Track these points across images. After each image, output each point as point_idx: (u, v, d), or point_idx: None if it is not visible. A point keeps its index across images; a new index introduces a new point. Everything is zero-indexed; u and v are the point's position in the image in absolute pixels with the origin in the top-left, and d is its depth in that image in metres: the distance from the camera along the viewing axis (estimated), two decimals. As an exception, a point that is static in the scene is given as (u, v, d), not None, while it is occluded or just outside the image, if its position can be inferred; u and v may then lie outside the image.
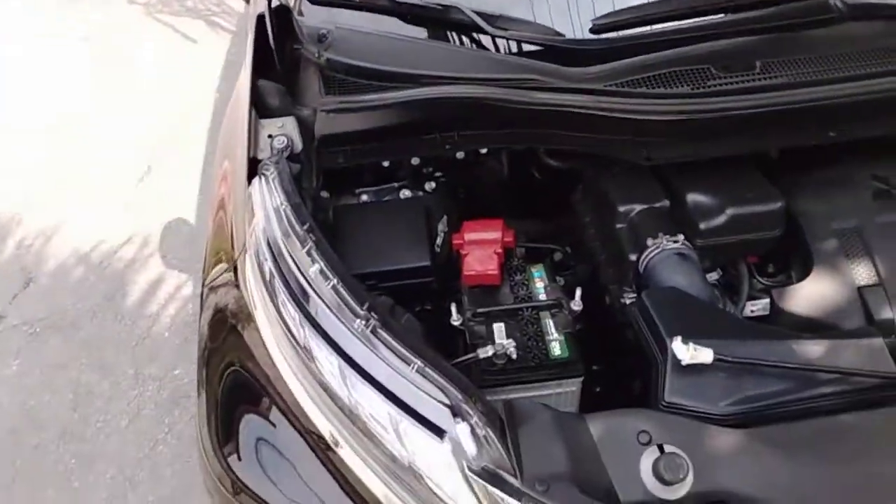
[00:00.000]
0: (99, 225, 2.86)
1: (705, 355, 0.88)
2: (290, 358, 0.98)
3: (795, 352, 0.92)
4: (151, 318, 2.48)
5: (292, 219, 0.99)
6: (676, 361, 0.90)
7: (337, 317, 0.90)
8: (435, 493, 0.84)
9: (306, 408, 0.96)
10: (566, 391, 1.03)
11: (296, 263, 0.96)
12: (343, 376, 0.89)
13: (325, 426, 0.94)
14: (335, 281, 0.91)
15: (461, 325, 1.06)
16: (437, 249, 1.20)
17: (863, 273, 1.13)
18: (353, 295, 0.91)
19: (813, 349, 0.92)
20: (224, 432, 1.05)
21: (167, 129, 3.33)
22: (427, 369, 0.84)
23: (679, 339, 0.89)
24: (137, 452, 2.12)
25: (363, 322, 0.88)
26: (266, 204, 1.04)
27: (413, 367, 0.85)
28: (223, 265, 1.16)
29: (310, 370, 0.94)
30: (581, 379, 1.02)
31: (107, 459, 2.12)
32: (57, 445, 2.16)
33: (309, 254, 0.95)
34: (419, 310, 1.18)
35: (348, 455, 0.92)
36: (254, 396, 1.03)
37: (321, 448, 0.96)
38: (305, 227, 0.97)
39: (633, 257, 1.15)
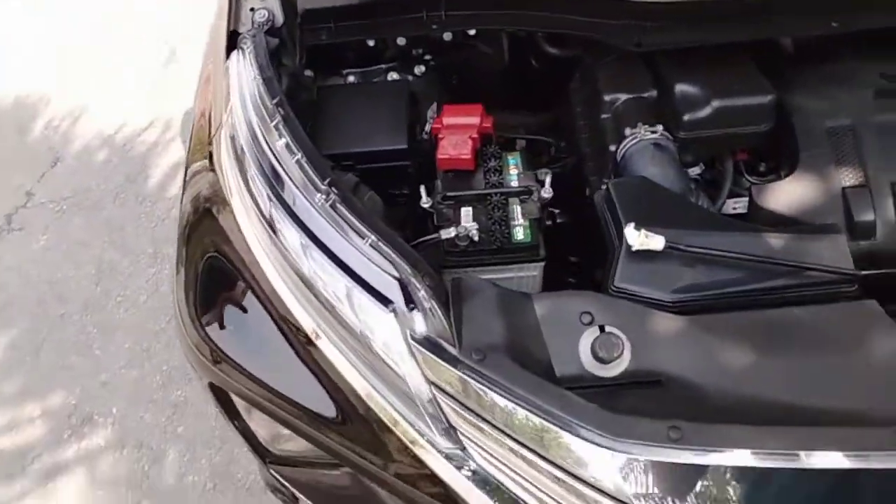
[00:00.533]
0: (123, 108, 2.91)
1: (656, 242, 0.88)
2: (258, 235, 1.01)
3: (752, 244, 0.91)
4: (171, 201, 2.55)
5: (263, 93, 0.99)
6: (629, 247, 0.90)
7: (300, 191, 0.93)
8: (384, 361, 0.88)
9: (280, 292, 0.99)
10: (527, 276, 1.04)
11: (264, 138, 0.98)
12: (304, 249, 0.92)
13: (299, 312, 0.98)
14: (300, 156, 0.93)
15: (430, 207, 1.07)
16: (425, 136, 1.20)
17: (849, 174, 1.10)
18: (317, 170, 0.92)
19: (770, 242, 0.92)
20: (202, 306, 1.10)
21: (192, 13, 3.30)
22: (380, 244, 0.87)
23: (632, 224, 0.89)
24: (154, 325, 2.25)
25: (324, 196, 0.90)
26: (241, 79, 1.05)
27: (367, 241, 0.87)
28: (203, 145, 1.18)
29: (275, 245, 0.97)
30: (542, 264, 1.04)
31: (126, 331, 2.25)
32: (80, 316, 2.29)
33: (276, 128, 0.96)
34: (397, 194, 1.19)
35: (325, 345, 0.96)
36: (231, 279, 1.07)
37: (294, 333, 0.99)
38: (275, 101, 0.98)
39: (613, 148, 1.13)
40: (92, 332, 2.25)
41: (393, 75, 1.30)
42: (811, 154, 1.09)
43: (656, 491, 0.77)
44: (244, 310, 1.06)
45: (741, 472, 0.76)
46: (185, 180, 1.23)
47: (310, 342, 0.96)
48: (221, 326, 1.07)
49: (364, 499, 1.11)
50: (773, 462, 0.76)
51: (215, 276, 1.11)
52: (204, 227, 1.14)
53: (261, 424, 1.19)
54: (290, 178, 0.94)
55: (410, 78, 1.31)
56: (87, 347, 2.22)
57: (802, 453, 0.75)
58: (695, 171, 1.18)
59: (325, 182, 0.90)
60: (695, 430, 0.76)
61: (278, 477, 1.29)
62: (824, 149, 1.10)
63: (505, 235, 1.02)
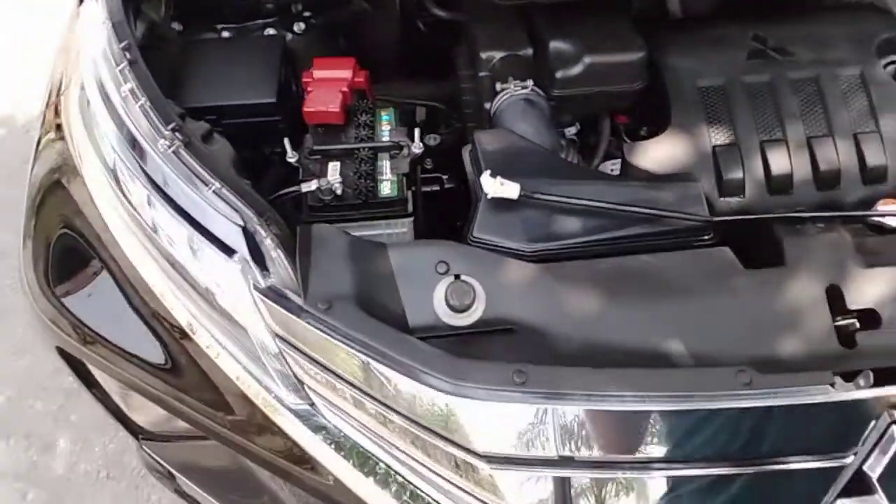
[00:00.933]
0: (23, 91, 2.76)
1: (511, 190, 0.87)
2: (108, 196, 0.96)
3: (610, 193, 0.90)
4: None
5: (111, 36, 0.94)
6: (487, 197, 0.89)
7: (144, 139, 0.88)
8: (229, 315, 0.84)
9: (131, 256, 0.94)
10: (397, 232, 1.02)
11: (112, 84, 0.92)
12: (147, 199, 0.87)
13: (150, 275, 0.92)
14: (143, 100, 0.88)
15: (296, 162, 1.03)
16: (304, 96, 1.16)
17: (720, 133, 1.10)
18: (161, 116, 0.87)
19: (628, 191, 0.91)
20: (55, 278, 1.03)
21: None
22: (224, 191, 0.83)
23: (488, 172, 0.87)
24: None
25: (167, 143, 0.85)
26: (91, 27, 0.99)
27: (210, 188, 0.83)
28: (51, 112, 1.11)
29: (122, 204, 0.92)
30: (410, 220, 1.01)
31: (18, 315, 2.13)
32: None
33: (122, 73, 0.91)
34: (269, 152, 1.15)
35: (174, 305, 0.91)
36: (83, 249, 1.00)
37: (142, 296, 0.94)
38: (123, 45, 0.92)
39: (487, 105, 1.11)
40: (-18, 318, 2.13)
41: (270, 31, 1.25)
42: (681, 112, 1.10)
43: (503, 436, 0.75)
44: (94, 276, 1.00)
45: (589, 415, 0.75)
46: (35, 152, 1.15)
47: (159, 304, 0.91)
48: (74, 299, 1.01)
49: (234, 468, 1.07)
50: (618, 405, 0.75)
51: (67, 247, 1.04)
52: (55, 199, 1.07)
53: (121, 395, 1.13)
54: (136, 127, 0.88)
55: (289, 36, 1.27)
56: (-27, 335, 2.09)
57: (647, 394, 0.74)
58: (571, 131, 1.18)
59: (169, 128, 0.86)
60: (540, 373, 0.75)
61: (152, 454, 1.23)
62: (695, 108, 1.10)
63: (370, 189, 0.99)
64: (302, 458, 0.85)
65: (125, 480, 1.83)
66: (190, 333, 0.87)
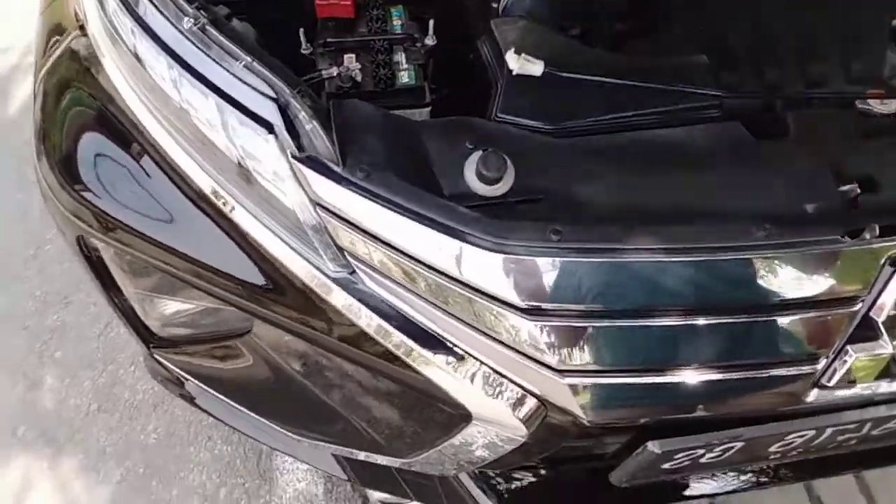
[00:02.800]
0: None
1: (536, 67, 0.89)
2: (128, 75, 0.95)
3: (627, 71, 0.94)
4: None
5: None
6: (511, 79, 0.91)
7: (165, 16, 0.87)
8: (265, 188, 0.85)
9: (157, 136, 0.94)
10: (415, 120, 1.03)
11: None
12: (173, 78, 0.87)
13: (176, 153, 0.92)
14: None
15: (310, 54, 1.04)
16: None
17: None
18: None
19: (644, 69, 0.95)
20: (72, 171, 1.02)
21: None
22: (255, 64, 0.83)
23: (512, 48, 0.90)
24: (25, 251, 2.09)
25: (192, 20, 0.85)
26: None
27: (241, 63, 0.83)
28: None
29: (144, 84, 0.92)
30: (429, 109, 1.03)
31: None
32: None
33: None
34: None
35: (203, 179, 0.91)
36: (107, 136, 0.99)
37: (173, 174, 0.94)
38: None
39: (495, 4, 1.13)
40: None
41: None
42: None
43: (540, 290, 0.79)
44: (122, 164, 0.99)
45: (619, 268, 0.79)
46: (42, 56, 1.13)
47: (190, 186, 0.91)
48: (97, 187, 1.00)
49: (254, 366, 1.09)
50: (650, 256, 0.79)
51: (88, 136, 1.03)
52: (72, 91, 1.06)
53: (142, 298, 1.13)
54: (154, 4, 0.88)
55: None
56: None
57: (676, 245, 0.79)
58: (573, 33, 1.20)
59: (194, 6, 0.85)
60: (574, 231, 0.79)
61: (163, 361, 1.24)
62: None
63: (389, 78, 1.01)
64: (340, 326, 0.87)
65: (118, 413, 1.82)
66: (225, 210, 0.88)
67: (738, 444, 0.90)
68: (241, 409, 1.20)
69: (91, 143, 1.00)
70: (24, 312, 1.99)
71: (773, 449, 0.95)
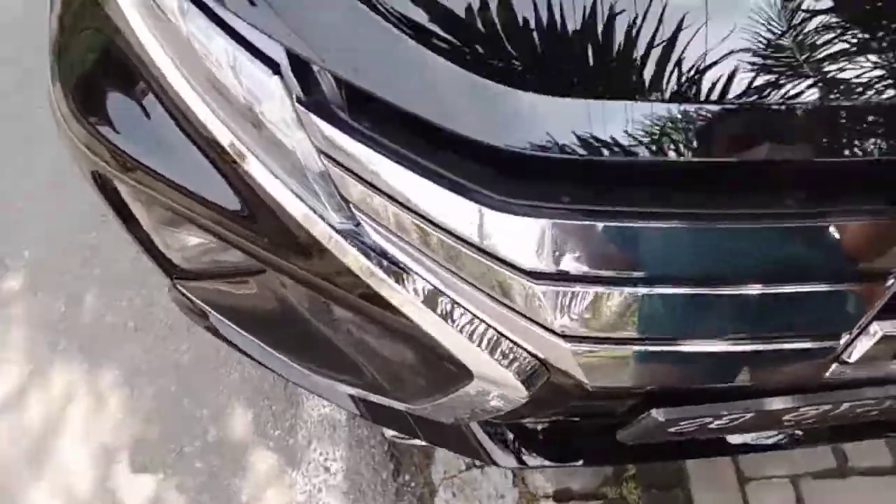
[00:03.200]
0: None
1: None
2: (140, 10, 0.92)
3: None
4: None
5: None
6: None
7: None
8: (272, 132, 0.83)
9: (166, 71, 0.91)
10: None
11: None
12: (182, 13, 0.84)
13: (187, 94, 0.90)
14: None
15: None
16: None
17: None
18: None
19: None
20: (88, 103, 1.00)
21: None
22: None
23: None
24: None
25: None
26: None
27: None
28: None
29: (154, 15, 0.89)
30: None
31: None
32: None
33: None
34: None
35: (213, 123, 0.88)
36: (118, 71, 0.97)
37: (184, 121, 0.92)
38: None
39: None
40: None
41: None
42: None
43: (547, 254, 0.76)
44: (135, 101, 0.98)
45: (632, 232, 0.75)
46: None
47: (198, 130, 0.89)
48: (110, 122, 0.99)
49: (272, 304, 1.10)
50: (658, 222, 0.75)
51: (100, 70, 1.01)
52: (84, 22, 1.04)
53: (156, 230, 1.14)
54: None
55: None
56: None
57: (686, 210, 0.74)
58: None
59: None
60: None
61: (186, 293, 1.26)
62: None
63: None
64: (345, 279, 0.86)
65: (153, 332, 1.88)
66: (232, 154, 0.86)
67: (747, 416, 0.87)
68: (261, 343, 1.22)
69: (107, 75, 0.99)
70: (67, 229, 2.05)
71: (787, 418, 0.92)
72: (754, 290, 0.77)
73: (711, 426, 0.91)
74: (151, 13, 0.88)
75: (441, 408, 0.96)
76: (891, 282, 0.77)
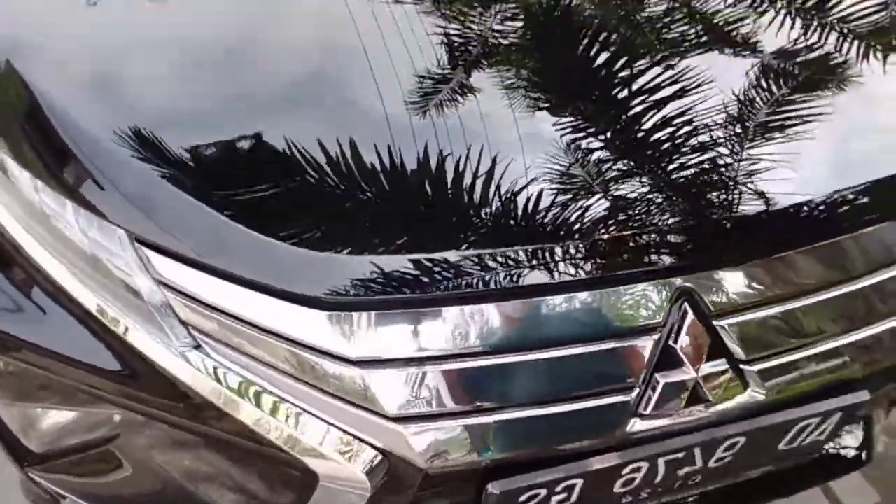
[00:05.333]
0: None
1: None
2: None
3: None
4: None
5: None
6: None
7: None
8: (114, 273, 0.92)
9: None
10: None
11: None
12: (36, 188, 0.97)
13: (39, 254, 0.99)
14: None
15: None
16: None
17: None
18: None
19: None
20: None
21: None
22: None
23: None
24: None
25: None
26: None
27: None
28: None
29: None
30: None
31: None
32: None
33: None
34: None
35: (63, 276, 0.97)
36: None
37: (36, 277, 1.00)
38: None
39: None
40: None
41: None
42: None
43: (366, 341, 0.86)
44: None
45: (434, 315, 0.88)
46: None
47: (50, 282, 0.98)
48: None
49: (135, 471, 1.10)
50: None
51: None
52: None
53: (12, 414, 1.15)
54: None
55: None
56: None
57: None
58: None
59: None
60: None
61: (40, 480, 1.23)
62: None
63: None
64: (191, 400, 0.92)
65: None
66: (80, 301, 0.94)
67: (579, 483, 0.95)
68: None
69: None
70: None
71: (617, 489, 1.00)
72: (551, 354, 0.90)
73: (552, 502, 0.97)
74: (7, 188, 0.99)
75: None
76: (658, 335, 0.93)
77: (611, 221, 0.92)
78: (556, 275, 0.89)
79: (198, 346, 0.91)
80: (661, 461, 0.98)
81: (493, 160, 0.95)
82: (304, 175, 0.93)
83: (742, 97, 1.08)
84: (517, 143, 0.98)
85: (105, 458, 1.13)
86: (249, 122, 0.98)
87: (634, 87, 1.09)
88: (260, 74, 1.06)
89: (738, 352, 0.95)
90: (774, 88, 1.11)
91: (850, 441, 1.19)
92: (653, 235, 0.92)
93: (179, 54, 1.09)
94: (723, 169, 0.98)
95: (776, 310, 0.97)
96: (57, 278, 0.96)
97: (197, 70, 1.07)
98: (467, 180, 0.94)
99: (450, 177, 0.94)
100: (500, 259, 0.89)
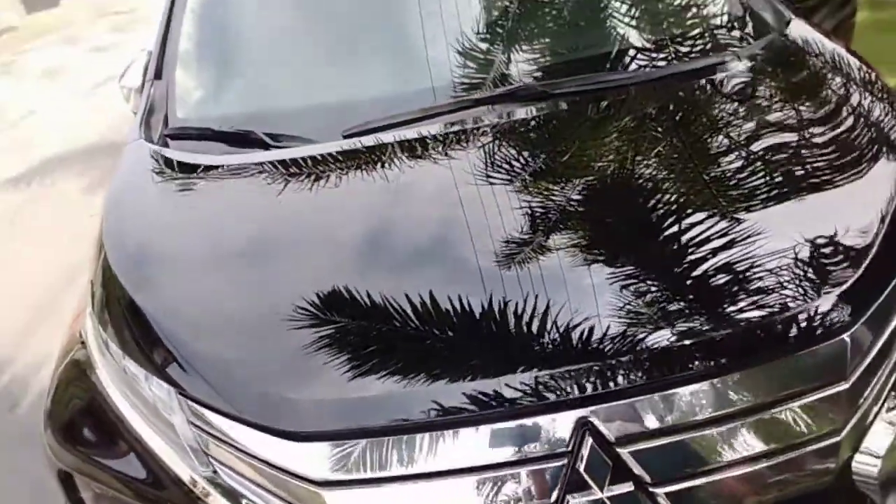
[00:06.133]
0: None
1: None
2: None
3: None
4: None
5: None
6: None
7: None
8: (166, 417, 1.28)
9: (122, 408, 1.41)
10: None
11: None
12: (117, 355, 1.38)
13: (131, 416, 1.39)
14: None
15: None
16: None
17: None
18: None
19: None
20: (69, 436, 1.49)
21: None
22: None
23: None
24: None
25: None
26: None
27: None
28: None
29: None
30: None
31: None
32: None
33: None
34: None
35: (141, 427, 1.36)
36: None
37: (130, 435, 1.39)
38: None
39: None
40: None
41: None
42: None
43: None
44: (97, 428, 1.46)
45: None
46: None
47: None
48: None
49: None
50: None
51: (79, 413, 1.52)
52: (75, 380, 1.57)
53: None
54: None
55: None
56: None
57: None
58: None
59: None
60: None
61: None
62: None
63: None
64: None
65: None
66: (144, 441, 1.31)
67: None
68: None
69: (82, 417, 1.49)
70: None
71: None
72: (480, 476, 1.11)
73: None
74: (107, 360, 1.42)
75: None
76: (566, 461, 1.10)
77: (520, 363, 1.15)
78: (478, 408, 1.13)
79: (214, 472, 1.22)
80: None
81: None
82: None
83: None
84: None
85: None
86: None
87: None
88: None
89: (645, 476, 1.10)
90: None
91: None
92: (556, 371, 1.13)
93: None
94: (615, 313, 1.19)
95: (679, 437, 1.11)
96: (132, 423, 1.34)
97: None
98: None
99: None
100: (435, 400, 1.14)
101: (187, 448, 1.24)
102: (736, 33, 1.92)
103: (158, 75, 1.98)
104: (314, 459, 1.14)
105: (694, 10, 1.98)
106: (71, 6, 11.14)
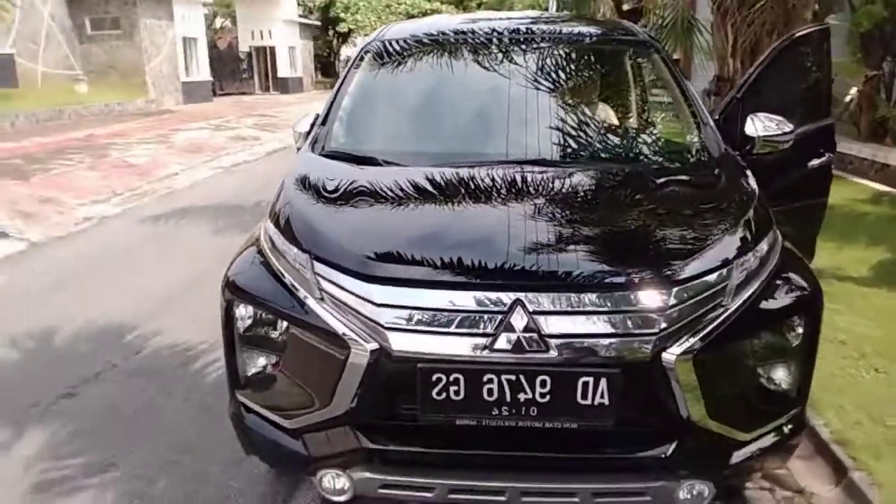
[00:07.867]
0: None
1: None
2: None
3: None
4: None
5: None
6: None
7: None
8: (301, 272, 2.39)
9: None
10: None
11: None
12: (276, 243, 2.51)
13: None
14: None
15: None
16: None
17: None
18: None
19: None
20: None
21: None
22: None
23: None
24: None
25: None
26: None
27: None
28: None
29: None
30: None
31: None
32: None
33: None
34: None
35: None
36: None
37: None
38: None
39: None
40: None
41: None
42: None
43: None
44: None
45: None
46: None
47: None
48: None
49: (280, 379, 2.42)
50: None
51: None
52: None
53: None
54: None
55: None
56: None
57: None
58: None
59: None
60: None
61: (244, 401, 2.56)
62: None
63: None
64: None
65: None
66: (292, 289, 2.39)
67: (462, 378, 2.10)
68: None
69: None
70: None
71: (486, 398, 2.11)
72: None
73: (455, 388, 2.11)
74: (276, 245, 2.54)
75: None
76: (504, 315, 2.13)
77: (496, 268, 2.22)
78: (474, 278, 2.19)
79: (322, 299, 2.28)
80: (503, 378, 2.08)
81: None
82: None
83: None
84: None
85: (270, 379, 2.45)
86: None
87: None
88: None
89: (545, 329, 2.10)
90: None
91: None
92: (511, 271, 2.19)
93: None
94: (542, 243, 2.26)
95: (565, 317, 2.12)
96: (288, 282, 2.43)
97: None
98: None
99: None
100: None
101: (313, 284, 2.30)
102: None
103: (324, 122, 3.28)
104: (374, 292, 2.19)
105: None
106: (222, 103, 13.45)
